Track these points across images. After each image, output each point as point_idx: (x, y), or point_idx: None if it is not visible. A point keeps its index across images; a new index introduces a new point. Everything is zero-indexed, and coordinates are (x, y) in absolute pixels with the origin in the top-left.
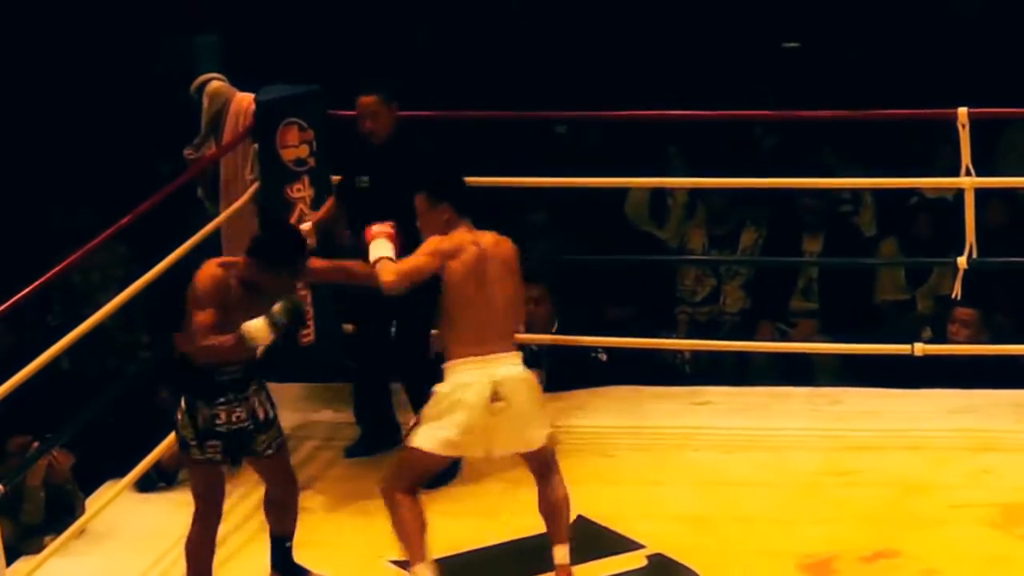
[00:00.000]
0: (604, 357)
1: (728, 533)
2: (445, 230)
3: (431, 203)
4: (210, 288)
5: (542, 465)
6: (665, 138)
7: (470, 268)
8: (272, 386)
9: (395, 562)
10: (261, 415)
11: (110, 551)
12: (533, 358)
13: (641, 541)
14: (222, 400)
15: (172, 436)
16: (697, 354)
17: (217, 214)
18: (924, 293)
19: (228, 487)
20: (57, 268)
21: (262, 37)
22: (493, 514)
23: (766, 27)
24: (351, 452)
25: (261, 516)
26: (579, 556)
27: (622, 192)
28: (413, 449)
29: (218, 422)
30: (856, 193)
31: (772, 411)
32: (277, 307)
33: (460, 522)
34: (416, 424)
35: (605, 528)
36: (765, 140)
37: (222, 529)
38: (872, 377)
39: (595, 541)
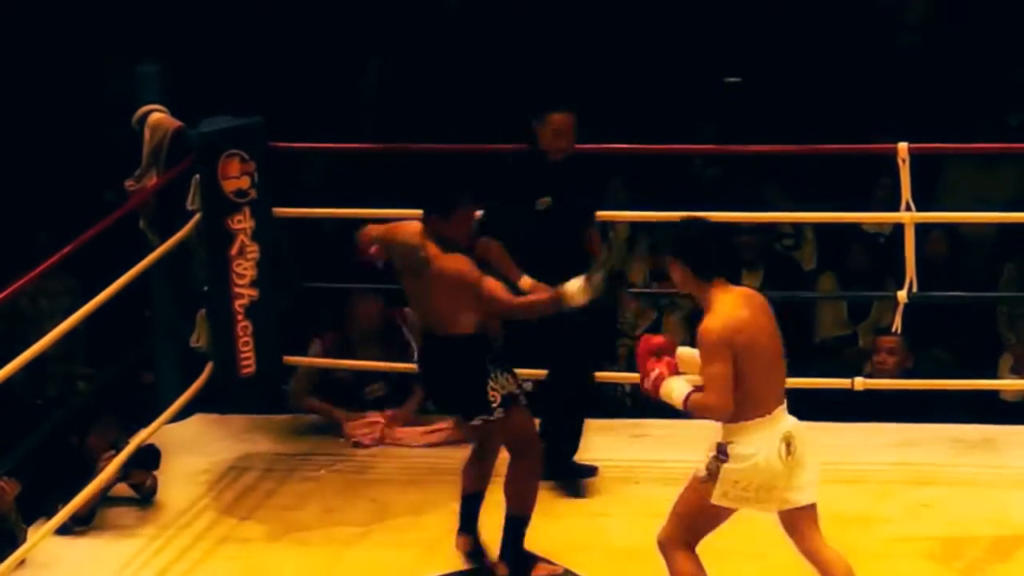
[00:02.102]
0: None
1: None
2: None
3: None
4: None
5: (813, 523)
6: (608, 171)
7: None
8: (213, 418)
9: None
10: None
11: None
12: None
13: (581, 574)
14: (504, 367)
15: (93, 484)
16: (637, 387)
17: (159, 245)
18: (866, 328)
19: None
20: (3, 294)
21: (204, 68)
22: (434, 545)
23: (708, 62)
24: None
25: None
26: None
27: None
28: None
29: (509, 383)
30: (798, 228)
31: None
32: (596, 276)
33: (400, 554)
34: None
35: (542, 559)
36: (706, 172)
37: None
38: (812, 411)
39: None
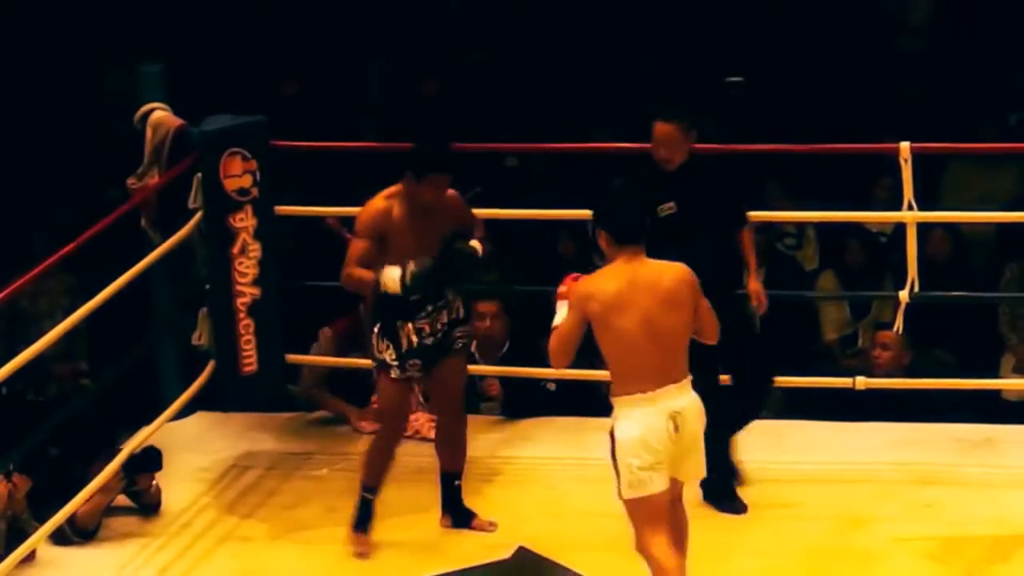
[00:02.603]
0: (553, 387)
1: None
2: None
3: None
4: (369, 220)
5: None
6: (612, 170)
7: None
8: (215, 416)
9: None
10: (460, 314)
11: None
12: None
13: (582, 572)
14: (423, 314)
15: (84, 493)
16: None
17: (161, 243)
18: (866, 325)
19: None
20: (2, 294)
21: (206, 67)
22: (436, 545)
23: (711, 61)
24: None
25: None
26: None
27: (567, 223)
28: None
29: (424, 335)
30: (800, 228)
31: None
32: (413, 268)
33: (401, 553)
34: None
35: (546, 559)
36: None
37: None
38: (813, 410)
39: (536, 573)
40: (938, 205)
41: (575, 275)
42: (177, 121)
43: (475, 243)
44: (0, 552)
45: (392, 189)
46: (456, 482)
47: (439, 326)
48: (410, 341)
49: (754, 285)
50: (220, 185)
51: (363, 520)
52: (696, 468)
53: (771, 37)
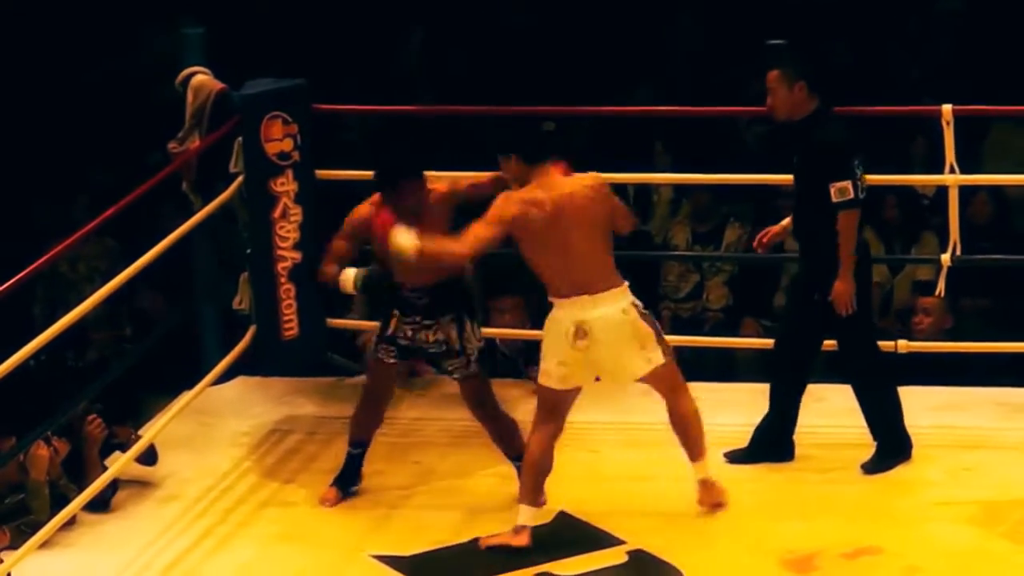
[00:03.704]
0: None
1: (710, 529)
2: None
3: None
4: (349, 222)
5: (665, 387)
6: (651, 134)
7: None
8: (255, 381)
9: (377, 556)
10: (448, 343)
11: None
12: (513, 366)
13: (622, 537)
14: (410, 320)
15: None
16: (681, 350)
17: (202, 207)
18: (901, 281)
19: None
20: (41, 259)
21: (248, 31)
22: (475, 510)
23: (754, 23)
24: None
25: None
26: (559, 552)
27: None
28: (538, 386)
29: (403, 335)
30: None
31: (756, 408)
32: (361, 272)
33: (443, 517)
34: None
35: (586, 523)
36: (749, 132)
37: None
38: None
39: (576, 537)
40: (981, 168)
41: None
42: (218, 85)
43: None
44: (46, 515)
45: (377, 196)
46: (518, 463)
47: (420, 337)
48: (394, 331)
49: (838, 285)
50: (261, 149)
51: (344, 476)
52: (617, 374)
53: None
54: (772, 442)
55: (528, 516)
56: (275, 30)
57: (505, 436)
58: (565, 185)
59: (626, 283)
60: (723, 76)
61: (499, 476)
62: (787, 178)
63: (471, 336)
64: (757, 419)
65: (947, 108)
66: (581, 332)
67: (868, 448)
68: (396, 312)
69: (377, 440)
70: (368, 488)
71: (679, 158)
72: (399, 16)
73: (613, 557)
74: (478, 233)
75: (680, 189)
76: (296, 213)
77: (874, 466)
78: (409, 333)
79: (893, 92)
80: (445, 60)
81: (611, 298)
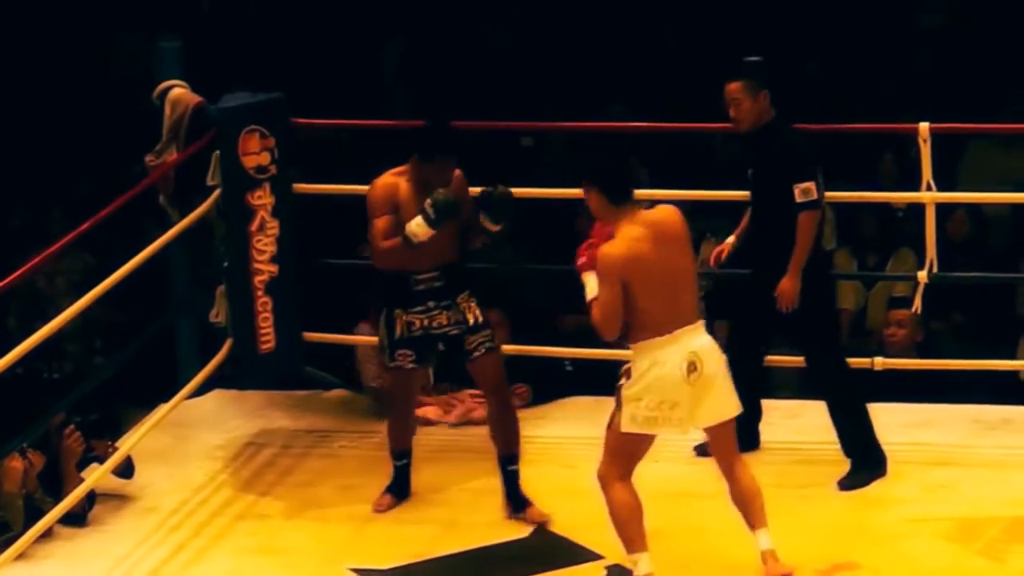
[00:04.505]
0: (570, 367)
1: (686, 544)
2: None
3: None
4: (380, 196)
5: (729, 441)
6: (627, 150)
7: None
8: (231, 394)
9: (355, 569)
10: (471, 320)
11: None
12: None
13: (600, 552)
14: (420, 308)
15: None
16: None
17: (179, 221)
18: (876, 296)
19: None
20: (17, 272)
21: (225, 44)
22: (453, 523)
23: (732, 40)
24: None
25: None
26: (537, 566)
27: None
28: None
29: (414, 328)
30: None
31: None
32: (428, 201)
33: (420, 530)
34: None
35: (564, 539)
36: (723, 151)
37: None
38: None
39: (554, 552)
40: (957, 185)
41: (587, 243)
42: (196, 98)
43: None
44: (19, 528)
45: (399, 168)
46: (510, 467)
47: (436, 323)
48: (402, 331)
49: (785, 282)
50: (238, 162)
51: (394, 486)
52: (716, 410)
53: (788, 14)
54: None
55: (645, 564)
56: (253, 43)
57: (508, 430)
58: (651, 214)
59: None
60: (700, 92)
61: (475, 490)
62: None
63: (477, 312)
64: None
65: (924, 126)
66: (693, 365)
67: (843, 464)
68: (398, 311)
69: (350, 453)
70: (342, 501)
71: (655, 173)
72: (377, 29)
73: (592, 573)
74: (604, 300)
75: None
76: (273, 226)
77: (850, 482)
78: (424, 322)
79: (867, 108)
80: (422, 73)
81: (703, 328)
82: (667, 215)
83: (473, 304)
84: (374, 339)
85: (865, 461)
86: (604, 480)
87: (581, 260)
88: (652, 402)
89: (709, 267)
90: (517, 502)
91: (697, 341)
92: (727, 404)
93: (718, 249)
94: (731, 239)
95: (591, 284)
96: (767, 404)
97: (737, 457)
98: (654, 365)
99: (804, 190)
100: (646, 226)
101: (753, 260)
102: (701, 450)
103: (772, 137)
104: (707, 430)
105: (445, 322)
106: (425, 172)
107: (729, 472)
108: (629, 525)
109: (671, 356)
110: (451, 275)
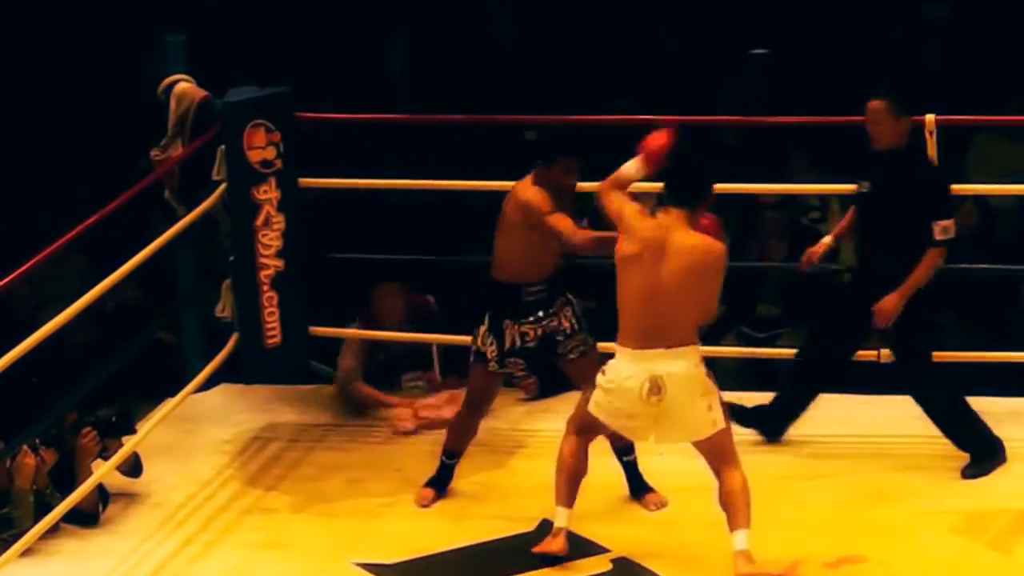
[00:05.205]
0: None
1: (693, 537)
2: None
3: None
4: (540, 196)
5: (718, 456)
6: (631, 143)
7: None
8: (238, 388)
9: (361, 564)
10: (567, 327)
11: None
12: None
13: (606, 545)
14: (531, 319)
15: (86, 485)
16: None
17: (184, 215)
18: None
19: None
20: (13, 274)
21: (230, 38)
22: (459, 517)
23: (735, 33)
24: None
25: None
26: (543, 560)
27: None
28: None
29: (527, 339)
30: (824, 200)
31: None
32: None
33: (426, 524)
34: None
35: (570, 532)
36: (728, 142)
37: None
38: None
39: None
40: (964, 177)
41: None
42: (201, 93)
43: None
44: (28, 524)
45: (528, 178)
46: (626, 458)
47: (540, 332)
48: (513, 342)
49: (890, 299)
50: (244, 157)
51: (436, 480)
52: (681, 432)
53: (795, 7)
54: (770, 417)
55: (563, 518)
56: (258, 37)
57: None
58: (692, 236)
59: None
60: (703, 86)
61: (481, 484)
62: (765, 187)
63: (573, 317)
64: (739, 427)
65: (930, 118)
66: (656, 388)
67: (850, 458)
68: (507, 322)
69: (357, 447)
70: (348, 495)
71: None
72: (383, 23)
73: (597, 565)
74: (608, 202)
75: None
76: (279, 221)
77: (973, 471)
78: (537, 332)
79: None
80: (428, 67)
81: (689, 356)
82: (702, 243)
83: (567, 311)
84: (381, 334)
85: (983, 452)
86: (567, 427)
87: (651, 148)
88: (613, 404)
89: (803, 267)
90: (636, 488)
91: (667, 366)
92: (694, 428)
93: (813, 250)
94: (827, 239)
95: (631, 165)
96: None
97: (725, 465)
98: (617, 374)
99: (944, 228)
100: (671, 232)
101: (865, 277)
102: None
103: (907, 164)
104: (695, 444)
105: (558, 327)
106: (551, 176)
107: (717, 476)
108: (560, 476)
109: (633, 371)
110: (553, 285)
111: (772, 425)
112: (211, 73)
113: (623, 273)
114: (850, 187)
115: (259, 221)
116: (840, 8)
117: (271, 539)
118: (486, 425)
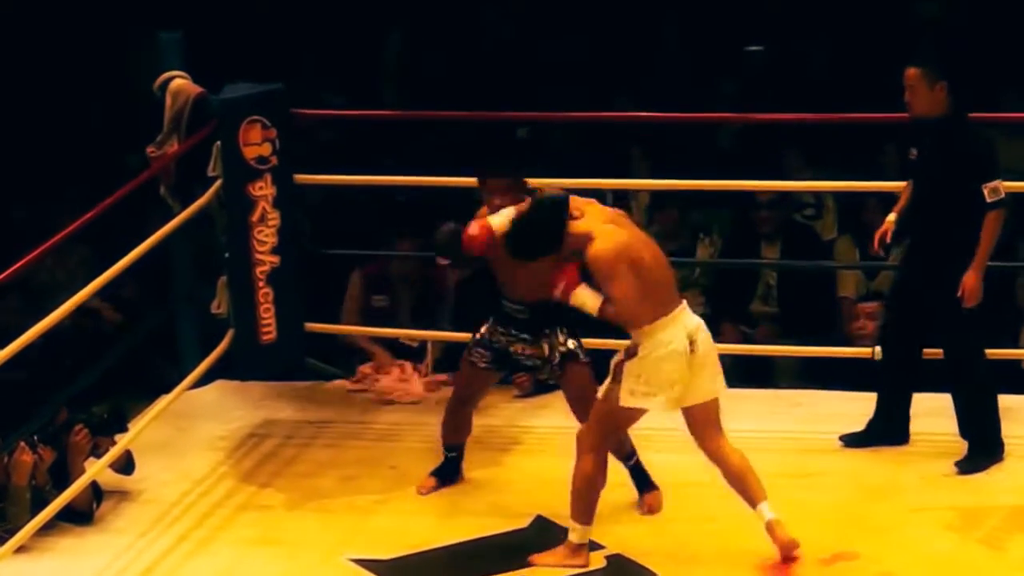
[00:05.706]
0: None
1: (687, 534)
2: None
3: None
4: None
5: (713, 421)
6: (628, 140)
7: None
8: (233, 385)
9: (355, 560)
10: (549, 354)
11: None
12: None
13: (600, 542)
14: (511, 331)
15: (80, 482)
16: None
17: (180, 212)
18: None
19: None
20: (15, 266)
21: (226, 35)
22: (454, 514)
23: (730, 30)
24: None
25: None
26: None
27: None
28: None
29: (495, 339)
30: (819, 197)
31: (733, 413)
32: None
33: (420, 520)
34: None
35: (564, 528)
36: (723, 140)
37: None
38: (830, 379)
39: (554, 541)
40: None
41: (568, 267)
42: (197, 89)
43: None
44: (24, 520)
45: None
46: (629, 462)
47: (513, 349)
48: (485, 334)
49: (970, 277)
50: (239, 153)
51: (440, 471)
52: (705, 387)
53: (790, 5)
54: (885, 429)
55: (582, 534)
56: (253, 34)
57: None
58: (603, 211)
59: None
60: (701, 84)
61: (474, 480)
62: (761, 184)
63: (560, 343)
64: (737, 424)
65: None
66: (692, 343)
67: (844, 454)
68: (493, 319)
69: (354, 444)
70: (343, 492)
71: (657, 165)
72: (377, 19)
73: (592, 562)
74: (622, 291)
75: (655, 203)
76: (274, 217)
77: (968, 466)
78: (504, 342)
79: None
80: (423, 64)
81: (689, 307)
82: (614, 211)
83: (557, 340)
84: (379, 331)
85: (983, 448)
86: (581, 444)
87: (561, 286)
88: (653, 379)
89: (874, 250)
90: (642, 484)
91: (692, 320)
92: (715, 383)
93: (882, 230)
94: (891, 217)
95: (587, 299)
96: (768, 394)
97: (722, 437)
98: (661, 344)
99: (992, 189)
100: (607, 219)
101: (919, 253)
102: (847, 440)
103: (949, 132)
104: (690, 412)
105: (520, 351)
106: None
107: (717, 454)
108: (584, 497)
109: (676, 335)
110: (536, 312)
111: (895, 430)
112: (207, 69)
113: (630, 255)
114: (843, 184)
115: (255, 217)
116: (840, 8)
117: (265, 536)
118: (480, 422)
